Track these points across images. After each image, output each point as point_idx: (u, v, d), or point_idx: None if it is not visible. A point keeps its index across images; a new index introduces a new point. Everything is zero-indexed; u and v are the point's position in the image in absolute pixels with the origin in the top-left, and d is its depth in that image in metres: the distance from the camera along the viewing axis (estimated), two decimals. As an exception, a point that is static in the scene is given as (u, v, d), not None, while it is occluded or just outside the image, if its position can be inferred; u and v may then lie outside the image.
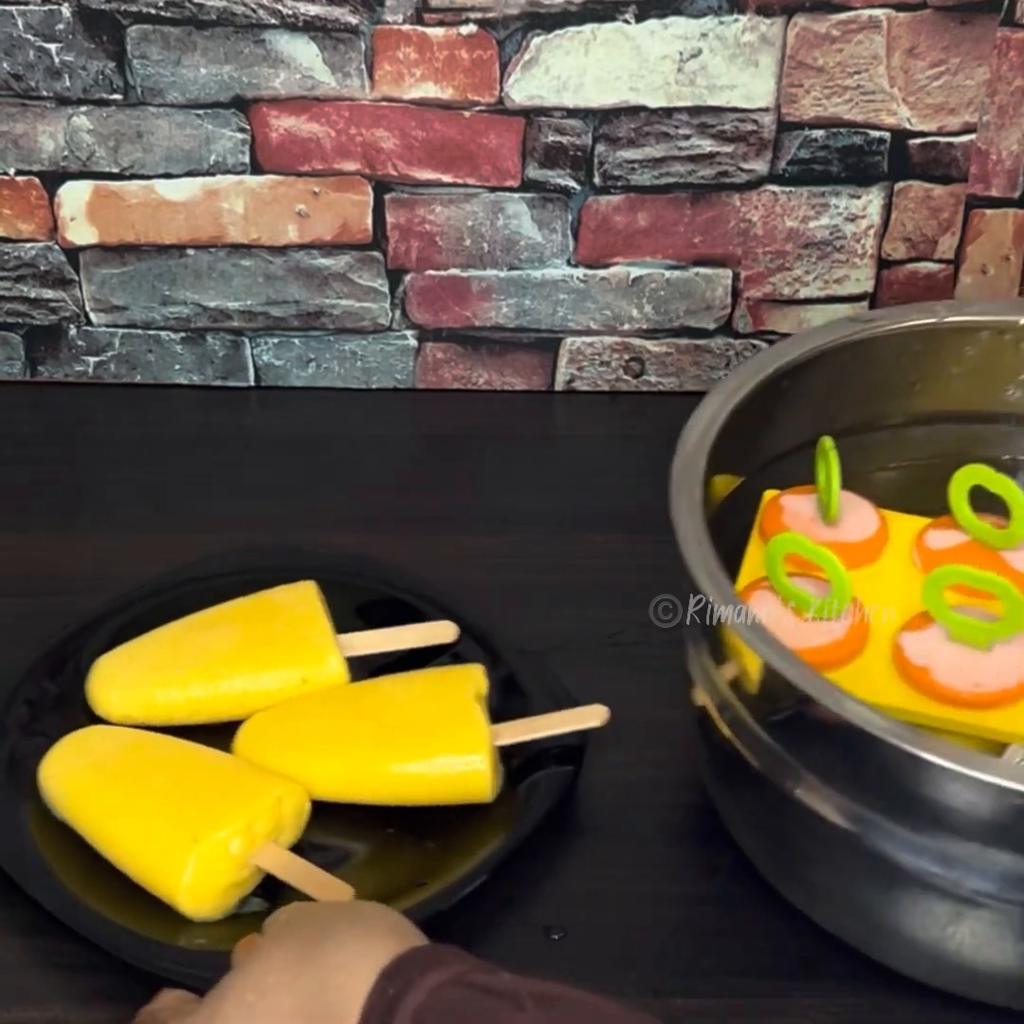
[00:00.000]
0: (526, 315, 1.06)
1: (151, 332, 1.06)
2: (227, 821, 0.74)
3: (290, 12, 0.95)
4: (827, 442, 0.77)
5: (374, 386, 1.09)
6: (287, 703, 0.82)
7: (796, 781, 0.67)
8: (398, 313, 1.06)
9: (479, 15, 0.96)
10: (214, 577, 0.89)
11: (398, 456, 1.03)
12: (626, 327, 1.06)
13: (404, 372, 1.08)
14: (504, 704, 0.82)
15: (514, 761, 0.80)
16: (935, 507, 0.78)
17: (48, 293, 1.04)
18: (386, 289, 1.05)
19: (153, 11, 0.95)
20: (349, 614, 0.87)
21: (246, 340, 1.07)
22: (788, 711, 0.66)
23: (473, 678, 0.83)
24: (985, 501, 0.77)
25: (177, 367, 1.08)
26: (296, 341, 1.07)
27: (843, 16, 0.96)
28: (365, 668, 0.85)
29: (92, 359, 1.07)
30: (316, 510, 0.98)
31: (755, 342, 1.07)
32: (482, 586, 0.89)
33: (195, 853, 0.73)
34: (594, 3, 0.95)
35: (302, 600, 0.85)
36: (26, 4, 0.95)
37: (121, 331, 1.06)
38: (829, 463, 0.78)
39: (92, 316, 1.05)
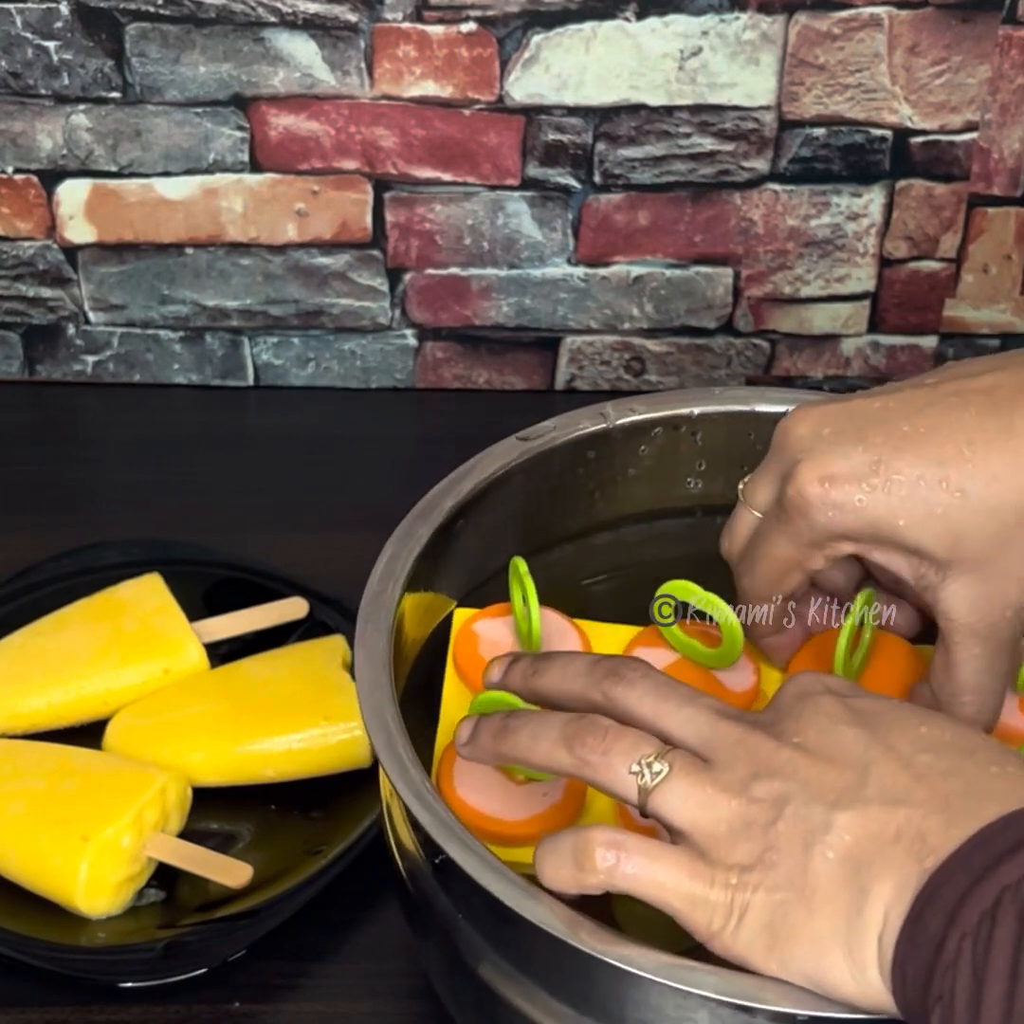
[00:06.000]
0: (526, 314, 1.06)
1: (150, 331, 1.06)
2: (115, 816, 0.73)
3: (289, 10, 0.95)
4: (520, 564, 0.69)
5: (374, 385, 1.08)
6: (152, 695, 0.81)
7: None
8: (398, 312, 1.05)
9: (479, 13, 0.95)
10: (50, 582, 0.88)
11: (398, 456, 1.03)
12: (626, 326, 1.06)
13: (404, 371, 1.08)
14: None
15: None
16: (642, 616, 0.69)
17: (46, 292, 1.04)
18: (386, 288, 1.05)
19: (152, 9, 0.95)
20: (196, 603, 0.86)
21: (245, 339, 1.06)
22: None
23: (336, 648, 0.83)
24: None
25: (176, 366, 1.07)
26: (295, 340, 1.06)
27: (844, 14, 0.96)
28: (223, 655, 0.84)
29: (91, 358, 1.07)
30: (315, 510, 0.98)
31: (756, 341, 1.06)
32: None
33: (87, 852, 0.72)
34: (595, 1, 0.95)
35: (150, 592, 0.85)
36: (24, 1, 0.94)
37: (120, 330, 1.06)
38: (524, 585, 0.68)
39: (91, 315, 1.05)
